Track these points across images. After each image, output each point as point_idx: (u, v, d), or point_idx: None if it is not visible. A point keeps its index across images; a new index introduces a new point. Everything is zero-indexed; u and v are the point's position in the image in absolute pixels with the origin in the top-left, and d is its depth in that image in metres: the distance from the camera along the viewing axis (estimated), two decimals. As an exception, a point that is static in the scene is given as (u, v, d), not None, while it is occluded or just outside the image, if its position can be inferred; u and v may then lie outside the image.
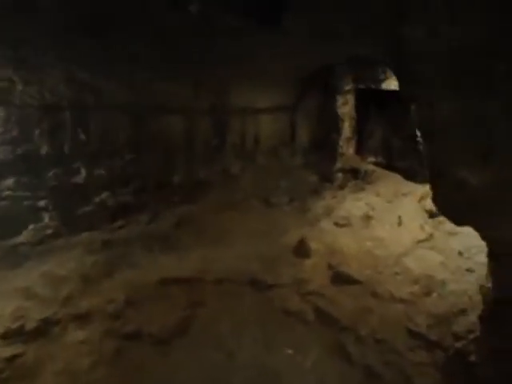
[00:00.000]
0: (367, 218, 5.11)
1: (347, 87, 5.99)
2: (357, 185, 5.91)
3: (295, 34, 2.85)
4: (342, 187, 6.04)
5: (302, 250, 4.92)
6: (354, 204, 5.41)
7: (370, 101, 6.20)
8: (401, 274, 4.23)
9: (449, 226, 5.00)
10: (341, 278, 4.32)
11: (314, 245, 4.86)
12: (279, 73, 5.64)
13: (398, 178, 5.74)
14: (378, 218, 5.10)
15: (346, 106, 6.15)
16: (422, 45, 1.91)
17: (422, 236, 4.73)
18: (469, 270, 4.06)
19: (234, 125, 6.03)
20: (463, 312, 3.44)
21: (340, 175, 6.24)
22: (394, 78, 5.11)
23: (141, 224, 5.51)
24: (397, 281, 4.16)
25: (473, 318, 3.34)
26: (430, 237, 4.71)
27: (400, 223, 4.94)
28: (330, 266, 4.57)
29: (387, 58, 2.58)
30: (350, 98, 6.16)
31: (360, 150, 6.48)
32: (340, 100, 6.12)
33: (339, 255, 4.66)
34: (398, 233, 4.85)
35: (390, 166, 5.97)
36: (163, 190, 5.64)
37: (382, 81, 5.41)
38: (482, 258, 4.30)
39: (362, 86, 5.76)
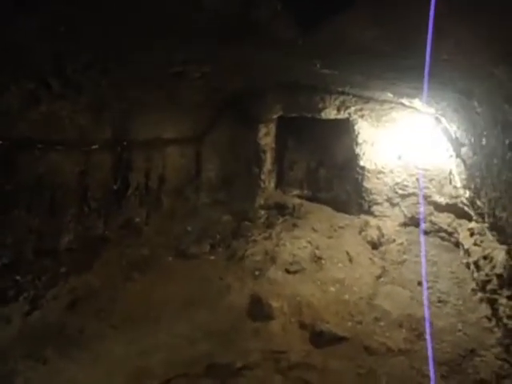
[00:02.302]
0: (317, 258, 4.72)
1: (273, 116, 5.61)
2: (287, 222, 5.50)
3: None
4: (270, 226, 5.52)
5: (259, 310, 4.14)
6: (295, 244, 4.96)
7: (288, 129, 5.98)
8: (381, 319, 3.94)
9: (392, 254, 5.11)
10: (323, 338, 3.74)
11: (273, 302, 4.15)
12: (193, 96, 4.83)
13: (328, 210, 5.61)
14: (327, 257, 4.78)
15: (268, 137, 5.75)
16: None
17: (377, 270, 4.62)
18: (441, 302, 4.11)
19: (138, 161, 4.83)
20: (472, 352, 3.35)
21: (263, 212, 5.72)
22: (333, 106, 5.02)
23: (15, 318, 3.69)
24: (382, 328, 3.85)
25: (490, 357, 3.30)
26: (384, 270, 4.65)
27: (351, 260, 4.73)
28: (302, 326, 3.94)
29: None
30: (272, 128, 5.80)
31: (281, 183, 6.14)
32: (262, 130, 5.68)
33: (308, 309, 4.08)
34: (353, 271, 4.61)
35: (315, 198, 5.81)
36: (46, 260, 3.97)
37: (321, 110, 5.24)
38: (444, 286, 4.53)
39: (294, 115, 5.47)
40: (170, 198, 5.60)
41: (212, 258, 5.33)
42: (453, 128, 3.67)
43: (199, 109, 5.25)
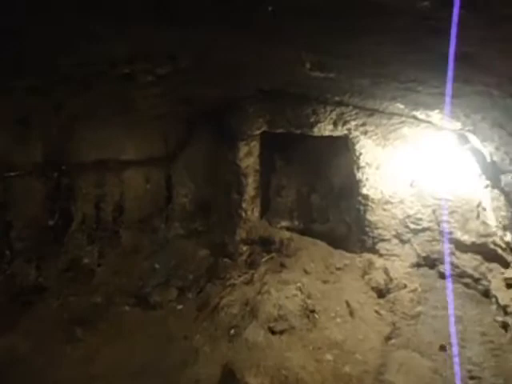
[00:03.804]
0: (309, 311, 3.75)
1: (255, 132, 4.73)
2: (273, 260, 4.55)
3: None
4: (252, 265, 4.57)
5: (232, 389, 3.16)
6: (282, 291, 3.99)
7: (274, 148, 5.08)
8: (395, 403, 2.97)
9: (404, 305, 4.14)
10: None
11: (250, 377, 3.16)
12: (157, 108, 3.94)
13: (323, 246, 4.66)
14: (322, 310, 3.81)
15: (250, 157, 4.84)
16: None
17: (386, 328, 3.65)
18: (474, 378, 3.13)
19: (86, 188, 3.89)
20: None
21: (245, 248, 4.77)
22: (329, 120, 4.12)
23: None
24: (397, 419, 2.88)
25: None
26: (395, 327, 3.67)
27: (352, 313, 3.76)
28: (288, 414, 2.96)
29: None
30: (255, 147, 4.90)
31: (267, 212, 5.21)
32: (243, 149, 4.79)
33: (297, 389, 3.10)
34: (355, 329, 3.64)
35: (308, 231, 4.88)
36: None
37: (313, 124, 4.37)
38: (475, 353, 3.52)
39: (280, 131, 4.57)
40: (132, 230, 4.65)
41: (179, 307, 4.33)
42: (488, 148, 2.79)
43: (165, 123, 4.38)
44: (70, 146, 3.65)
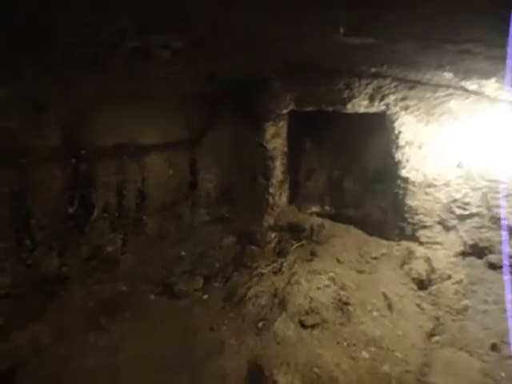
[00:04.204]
0: (342, 304, 3.49)
1: (283, 111, 4.44)
2: (303, 248, 4.30)
3: None
4: (281, 254, 4.34)
5: (260, 387, 2.97)
6: (313, 282, 3.75)
7: (304, 128, 4.76)
8: (441, 409, 2.70)
9: (449, 298, 3.79)
10: None
11: (279, 375, 2.96)
12: (176, 87, 3.72)
13: (357, 233, 4.36)
14: (357, 302, 3.54)
15: (277, 139, 4.56)
16: None
17: (429, 324, 3.35)
18: (533, 383, 2.81)
19: (106, 175, 3.76)
20: None
21: (273, 235, 4.54)
22: (364, 95, 3.76)
23: None
24: (443, 427, 2.61)
25: None
26: (439, 323, 3.37)
27: (390, 306, 3.47)
28: (322, 417, 2.75)
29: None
30: (283, 127, 4.61)
31: (296, 197, 4.95)
32: (270, 130, 4.52)
33: (330, 389, 2.88)
34: (394, 324, 3.36)
35: (340, 217, 4.58)
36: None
37: (347, 101, 4.02)
38: None
39: (310, 109, 4.25)
40: (156, 217, 4.52)
41: (205, 297, 4.19)
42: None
43: (187, 104, 4.14)
44: (86, 130, 3.49)
